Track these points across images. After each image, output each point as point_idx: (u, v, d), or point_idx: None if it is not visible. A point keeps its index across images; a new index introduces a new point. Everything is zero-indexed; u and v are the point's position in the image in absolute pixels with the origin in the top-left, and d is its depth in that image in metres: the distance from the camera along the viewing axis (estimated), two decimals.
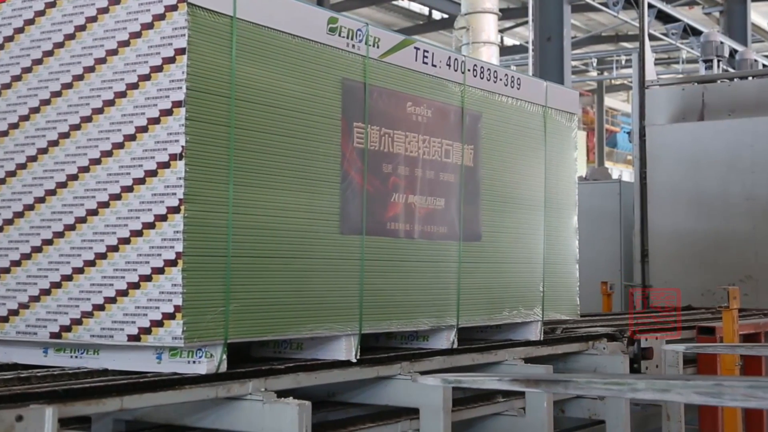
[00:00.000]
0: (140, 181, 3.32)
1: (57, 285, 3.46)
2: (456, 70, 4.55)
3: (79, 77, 3.47)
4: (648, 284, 9.88)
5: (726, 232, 9.47)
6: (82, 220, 3.43)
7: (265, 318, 3.55)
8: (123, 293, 3.32)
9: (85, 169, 3.43)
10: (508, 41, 26.97)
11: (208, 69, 3.36)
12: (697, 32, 18.15)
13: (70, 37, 3.50)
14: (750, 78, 11.56)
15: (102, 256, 3.38)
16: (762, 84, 10.57)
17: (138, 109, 3.34)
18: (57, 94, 3.52)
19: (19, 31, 3.62)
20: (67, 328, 3.42)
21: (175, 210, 3.25)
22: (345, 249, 3.91)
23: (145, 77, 3.33)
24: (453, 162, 4.51)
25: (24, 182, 3.56)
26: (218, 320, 3.36)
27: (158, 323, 3.26)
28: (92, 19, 3.46)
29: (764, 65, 17.57)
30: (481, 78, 4.71)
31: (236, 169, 3.44)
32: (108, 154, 3.39)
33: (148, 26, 3.34)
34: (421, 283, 4.31)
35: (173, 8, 3.30)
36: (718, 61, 14.99)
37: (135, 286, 3.30)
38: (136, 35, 3.36)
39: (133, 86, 3.36)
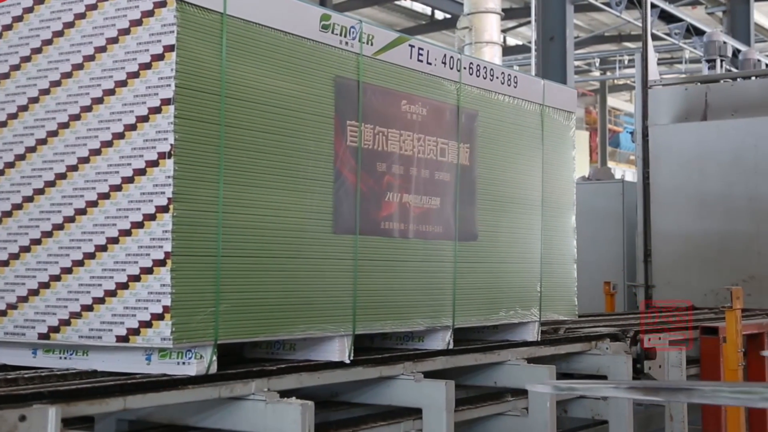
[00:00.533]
0: (129, 180, 3.27)
1: (45, 285, 3.42)
2: (452, 68, 4.50)
3: (67, 74, 3.43)
4: (651, 284, 9.85)
5: (729, 233, 9.43)
6: (70, 219, 3.39)
7: (256, 319, 3.50)
8: (111, 293, 3.28)
9: (73, 168, 3.39)
10: (511, 41, 26.94)
11: (197, 66, 3.32)
12: (700, 32, 18.09)
13: (59, 34, 3.46)
14: (753, 78, 11.50)
15: (90, 255, 3.34)
16: (765, 84, 10.52)
17: (127, 107, 3.30)
18: (45, 92, 3.48)
19: (8, 28, 3.58)
20: (55, 329, 3.38)
21: (164, 209, 3.21)
22: (338, 249, 3.87)
23: (134, 74, 3.29)
24: (448, 161, 4.47)
25: (12, 181, 3.52)
26: (208, 321, 3.31)
27: (147, 324, 3.21)
28: (81, 16, 3.42)
29: (767, 65, 17.49)
30: (477, 76, 4.66)
31: (226, 168, 3.40)
32: (97, 152, 3.35)
33: (137, 23, 3.30)
34: (416, 284, 4.26)
35: (162, 5, 3.26)
36: (721, 61, 14.93)
37: (123, 286, 3.26)
38: (125, 32, 3.32)
39: (122, 84, 3.31)
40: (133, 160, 3.27)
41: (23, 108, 3.52)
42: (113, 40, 3.34)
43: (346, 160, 3.91)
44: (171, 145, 3.21)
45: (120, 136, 3.30)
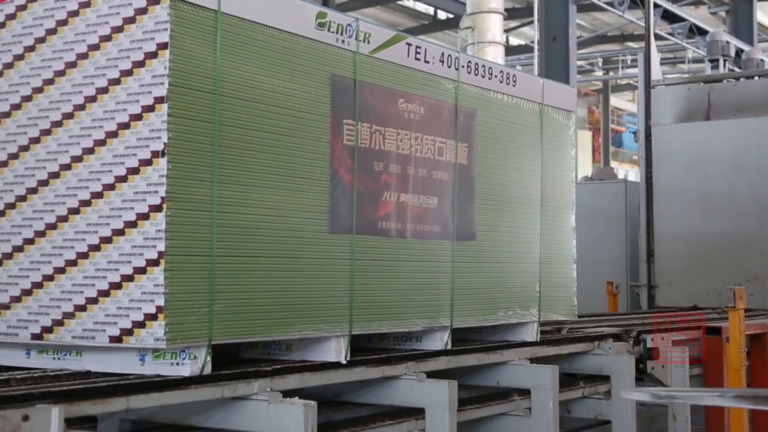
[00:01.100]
0: (122, 179, 3.24)
1: (38, 285, 3.39)
2: (450, 67, 4.47)
3: (61, 72, 3.41)
4: (654, 284, 9.82)
5: (732, 232, 9.40)
6: (63, 218, 3.36)
7: (251, 319, 3.47)
8: (105, 294, 3.25)
9: (66, 167, 3.36)
10: (514, 41, 26.90)
11: (191, 64, 3.28)
12: (703, 32, 18.06)
13: (52, 31, 3.43)
14: (756, 78, 11.45)
15: (83, 255, 3.30)
16: None
17: (120, 105, 3.27)
18: (38, 90, 3.45)
19: (0, 26, 3.55)
20: (48, 330, 3.35)
21: (157, 208, 3.18)
22: (334, 248, 3.83)
23: (127, 72, 3.26)
24: (446, 160, 4.43)
25: (5, 180, 3.49)
26: (202, 321, 3.28)
27: (140, 324, 3.18)
28: (74, 13, 3.39)
29: None
30: (476, 75, 4.63)
31: (221, 167, 3.37)
32: (90, 151, 3.32)
33: (130, 20, 3.27)
34: (414, 284, 4.23)
35: (155, 2, 3.23)
36: (724, 60, 14.91)
37: (117, 286, 3.23)
38: (118, 30, 3.29)
39: (115, 82, 3.28)
40: (127, 159, 3.24)
41: (16, 107, 3.50)
42: (106, 38, 3.31)
43: (342, 159, 3.87)
44: (164, 143, 3.18)
45: (113, 134, 3.27)
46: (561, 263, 5.20)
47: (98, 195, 3.29)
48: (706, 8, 22.12)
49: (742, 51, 16.52)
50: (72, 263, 3.32)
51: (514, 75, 4.90)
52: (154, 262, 3.17)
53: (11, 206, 3.47)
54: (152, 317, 3.16)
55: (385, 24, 17.32)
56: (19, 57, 3.50)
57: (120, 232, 3.23)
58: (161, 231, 3.16)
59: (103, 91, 3.30)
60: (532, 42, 17.64)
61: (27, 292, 3.41)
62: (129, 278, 3.21)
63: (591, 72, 30.09)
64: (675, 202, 9.73)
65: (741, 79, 11.39)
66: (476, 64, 4.65)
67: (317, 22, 3.80)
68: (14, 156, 3.48)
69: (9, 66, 3.52)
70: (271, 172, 3.57)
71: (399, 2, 24.79)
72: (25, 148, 3.46)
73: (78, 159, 3.34)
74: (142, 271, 3.19)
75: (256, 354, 3.88)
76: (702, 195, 9.60)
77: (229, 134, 3.41)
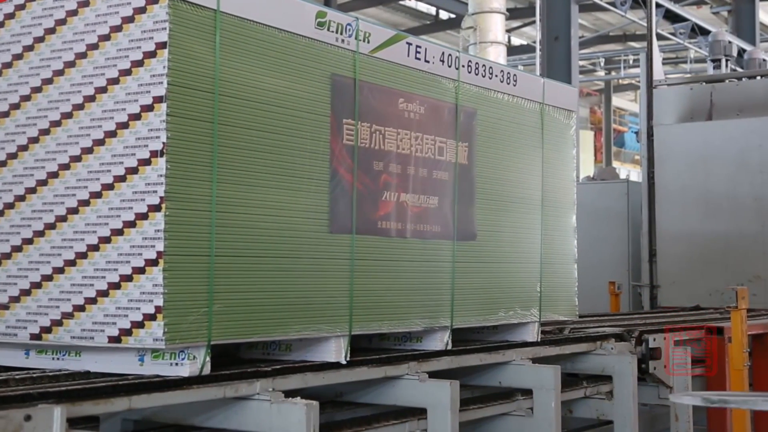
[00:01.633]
0: (121, 179, 3.23)
1: (37, 285, 3.38)
2: (450, 66, 4.46)
3: (59, 72, 3.40)
4: (656, 284, 9.81)
5: (734, 232, 9.39)
6: (62, 218, 3.35)
7: (250, 319, 3.46)
8: (103, 294, 3.24)
9: (65, 167, 3.35)
10: (516, 41, 26.90)
11: (190, 64, 3.27)
12: (705, 32, 18.03)
13: (51, 31, 3.42)
14: (758, 77, 11.43)
15: (82, 255, 3.29)
16: None
17: (119, 105, 3.26)
18: (37, 90, 3.44)
19: None
20: (47, 330, 3.34)
21: (156, 208, 3.17)
22: (334, 248, 3.82)
23: (126, 72, 3.25)
24: (447, 160, 4.42)
25: (4, 180, 3.48)
26: (201, 321, 3.27)
27: (139, 324, 3.17)
28: (72, 13, 3.38)
29: None
30: (476, 74, 4.61)
31: (220, 167, 3.35)
32: (88, 150, 3.31)
33: (129, 20, 3.26)
34: (414, 284, 4.22)
35: (154, 1, 3.22)
36: (727, 60, 14.89)
37: (115, 286, 3.22)
38: (117, 29, 3.28)
39: (114, 81, 3.27)
40: (125, 159, 3.23)
41: (15, 106, 3.49)
42: (105, 38, 3.30)
43: (342, 158, 3.86)
44: (163, 143, 3.17)
45: (112, 134, 3.26)
46: (562, 263, 5.19)
47: (97, 195, 3.28)
48: (708, 8, 22.09)
49: (744, 51, 16.50)
50: (71, 263, 3.31)
51: (514, 74, 4.88)
52: (153, 262, 3.16)
53: (10, 206, 3.46)
54: (151, 317, 3.15)
55: (386, 24, 17.29)
56: (18, 56, 3.49)
57: (119, 232, 3.22)
58: (160, 231, 3.15)
59: (102, 90, 3.29)
60: (534, 42, 17.62)
61: (26, 293, 3.40)
62: (128, 278, 3.20)
63: (593, 72, 30.08)
64: (677, 202, 9.72)
65: (743, 79, 11.38)
66: (476, 63, 4.64)
67: (317, 21, 3.79)
68: (13, 156, 3.48)
69: (8, 65, 3.51)
70: (271, 172, 3.56)
71: (401, 2, 24.78)
72: (23, 148, 3.45)
73: (77, 159, 3.33)
74: (141, 271, 3.18)
75: (256, 354, 3.87)
76: (704, 195, 9.59)
77: (229, 134, 3.40)
